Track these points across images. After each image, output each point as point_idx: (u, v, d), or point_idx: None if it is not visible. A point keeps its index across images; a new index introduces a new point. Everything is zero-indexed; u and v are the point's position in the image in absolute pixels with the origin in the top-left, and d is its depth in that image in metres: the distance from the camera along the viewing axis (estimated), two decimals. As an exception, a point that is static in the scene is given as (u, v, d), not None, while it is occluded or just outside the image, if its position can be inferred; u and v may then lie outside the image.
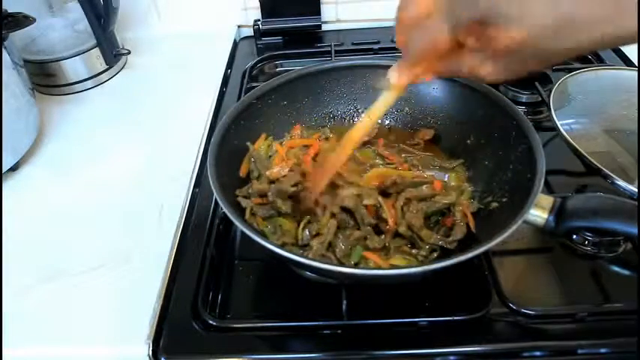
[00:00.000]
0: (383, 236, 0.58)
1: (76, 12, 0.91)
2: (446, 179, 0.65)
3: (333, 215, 0.58)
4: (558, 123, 0.66)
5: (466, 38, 0.41)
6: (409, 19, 0.44)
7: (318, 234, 0.57)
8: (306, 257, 0.53)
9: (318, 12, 1.09)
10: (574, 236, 0.62)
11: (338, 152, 0.57)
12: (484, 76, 0.43)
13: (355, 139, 0.57)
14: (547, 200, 0.51)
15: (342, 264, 0.55)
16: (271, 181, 0.62)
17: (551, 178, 0.69)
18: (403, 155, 0.69)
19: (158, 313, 0.56)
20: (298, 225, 0.58)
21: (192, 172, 0.74)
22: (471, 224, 0.57)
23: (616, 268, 0.59)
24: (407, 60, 0.48)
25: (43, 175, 0.77)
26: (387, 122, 0.75)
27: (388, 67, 0.49)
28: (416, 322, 0.53)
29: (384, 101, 0.53)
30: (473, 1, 0.38)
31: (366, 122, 0.56)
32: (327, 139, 0.71)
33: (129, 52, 1.00)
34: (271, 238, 0.57)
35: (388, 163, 0.67)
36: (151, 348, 0.53)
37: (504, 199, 0.58)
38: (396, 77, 0.49)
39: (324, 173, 0.58)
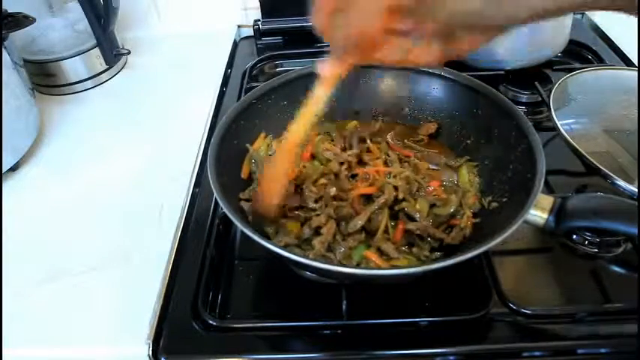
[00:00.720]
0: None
1: (76, 12, 0.91)
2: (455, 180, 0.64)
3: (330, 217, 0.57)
4: (558, 123, 0.66)
5: (396, 20, 0.38)
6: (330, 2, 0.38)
7: (318, 232, 0.57)
8: (306, 257, 0.53)
9: (318, 12, 1.09)
10: (574, 236, 0.62)
11: (281, 159, 0.53)
12: (419, 61, 0.40)
13: (295, 144, 0.52)
14: (547, 200, 0.51)
15: (342, 264, 0.55)
16: None
17: (551, 178, 0.69)
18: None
19: (158, 313, 0.56)
20: (302, 226, 0.58)
21: (192, 172, 0.74)
22: (468, 230, 0.57)
23: (616, 268, 0.59)
24: (335, 50, 0.42)
25: (43, 175, 0.77)
26: (388, 119, 0.75)
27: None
28: (416, 322, 0.53)
29: (315, 99, 0.48)
30: None
31: (300, 124, 0.50)
32: (327, 133, 0.71)
33: (129, 52, 1.00)
34: (274, 239, 0.57)
35: (401, 159, 0.66)
36: (151, 348, 0.53)
37: (504, 199, 0.58)
38: (324, 68, 0.44)
39: (274, 185, 0.54)
